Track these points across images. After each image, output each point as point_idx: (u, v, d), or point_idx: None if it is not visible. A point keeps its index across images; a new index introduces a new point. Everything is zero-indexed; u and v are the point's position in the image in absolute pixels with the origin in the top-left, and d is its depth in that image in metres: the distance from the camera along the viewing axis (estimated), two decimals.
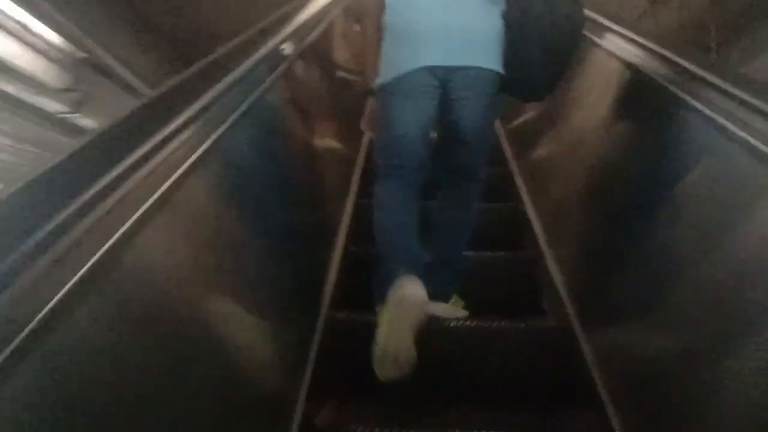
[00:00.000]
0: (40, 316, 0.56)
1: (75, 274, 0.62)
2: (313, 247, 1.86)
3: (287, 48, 1.70)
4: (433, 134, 1.81)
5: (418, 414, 1.55)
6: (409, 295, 1.45)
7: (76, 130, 4.17)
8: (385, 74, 1.67)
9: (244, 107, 1.22)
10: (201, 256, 0.96)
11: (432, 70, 1.60)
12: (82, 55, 3.80)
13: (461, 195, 1.78)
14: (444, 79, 1.61)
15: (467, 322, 1.70)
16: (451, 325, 1.67)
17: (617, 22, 1.84)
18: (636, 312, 1.31)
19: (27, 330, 0.54)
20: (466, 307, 1.82)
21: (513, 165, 2.77)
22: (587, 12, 1.74)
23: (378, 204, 1.67)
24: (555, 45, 1.63)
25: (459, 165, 1.76)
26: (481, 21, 1.64)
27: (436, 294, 1.70)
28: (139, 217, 0.75)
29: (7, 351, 0.52)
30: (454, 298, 1.81)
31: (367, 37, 1.74)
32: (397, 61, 1.64)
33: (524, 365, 1.66)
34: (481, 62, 1.62)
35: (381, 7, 1.69)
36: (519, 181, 2.58)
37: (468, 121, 1.67)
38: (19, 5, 3.31)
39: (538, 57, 1.63)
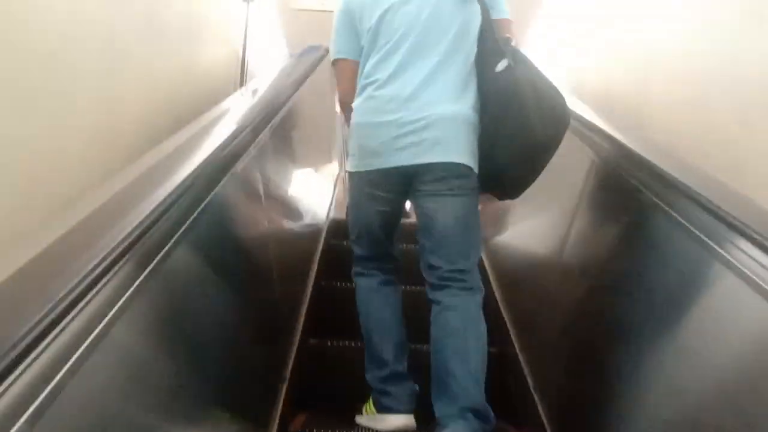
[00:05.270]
0: None
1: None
2: None
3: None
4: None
5: None
6: None
7: None
8: (352, 159, 1.62)
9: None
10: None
11: (399, 169, 1.52)
12: None
13: (456, 307, 1.53)
14: (413, 173, 1.53)
15: None
16: None
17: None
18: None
19: None
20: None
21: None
22: None
23: (360, 298, 1.75)
24: (535, 142, 1.48)
25: (440, 275, 1.54)
26: (452, 111, 1.51)
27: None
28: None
29: None
30: None
31: (342, 103, 1.73)
32: (363, 153, 1.57)
33: None
34: (453, 157, 1.50)
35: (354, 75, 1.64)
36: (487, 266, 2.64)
37: (441, 218, 1.54)
38: None
39: (516, 155, 1.50)
